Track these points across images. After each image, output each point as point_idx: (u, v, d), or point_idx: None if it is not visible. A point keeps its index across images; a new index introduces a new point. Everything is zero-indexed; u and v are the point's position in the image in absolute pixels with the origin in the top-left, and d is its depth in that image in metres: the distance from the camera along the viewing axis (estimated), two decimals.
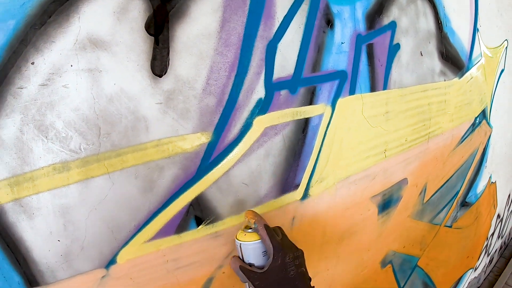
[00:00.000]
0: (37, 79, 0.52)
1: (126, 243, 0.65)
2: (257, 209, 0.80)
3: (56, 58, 0.53)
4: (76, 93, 0.55)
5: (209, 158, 0.71)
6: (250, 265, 0.71)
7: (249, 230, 0.72)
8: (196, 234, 0.74)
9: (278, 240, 0.70)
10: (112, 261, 0.64)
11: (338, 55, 0.87)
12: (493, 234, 2.43)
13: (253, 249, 0.70)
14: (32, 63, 0.52)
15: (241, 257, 0.72)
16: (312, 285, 0.75)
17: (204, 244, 0.75)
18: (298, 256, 0.72)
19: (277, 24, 0.75)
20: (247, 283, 0.71)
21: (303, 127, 0.83)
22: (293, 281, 0.70)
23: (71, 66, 0.54)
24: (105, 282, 0.65)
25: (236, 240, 0.72)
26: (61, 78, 0.54)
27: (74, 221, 0.59)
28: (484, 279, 2.61)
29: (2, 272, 0.55)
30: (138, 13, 0.59)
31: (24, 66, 0.51)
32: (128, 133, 0.61)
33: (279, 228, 0.76)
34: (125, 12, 0.58)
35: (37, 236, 0.57)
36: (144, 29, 0.60)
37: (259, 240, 0.70)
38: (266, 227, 0.70)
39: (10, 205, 0.54)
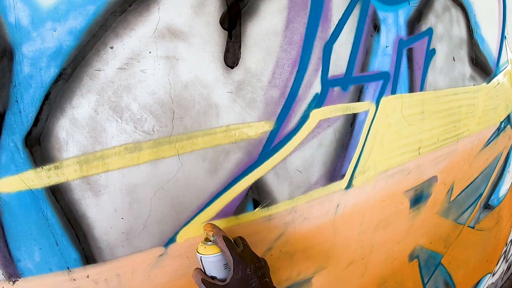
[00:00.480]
0: (115, 63, 0.56)
1: (187, 222, 0.70)
2: (307, 196, 0.87)
3: (135, 44, 0.57)
4: (153, 78, 0.60)
5: (270, 145, 0.77)
6: (212, 278, 0.68)
7: (209, 243, 0.69)
8: (252, 216, 0.79)
9: (238, 252, 0.68)
10: (171, 240, 0.69)
11: (383, 57, 0.94)
12: None
13: (213, 262, 0.68)
14: (111, 48, 0.56)
15: (203, 270, 0.69)
16: None
17: (258, 226, 0.80)
18: (260, 267, 0.70)
19: (332, 26, 0.82)
20: None
21: (351, 121, 0.90)
22: None
23: (150, 52, 0.59)
24: (162, 260, 0.69)
25: (197, 253, 0.69)
26: (139, 63, 0.58)
27: (140, 199, 0.63)
28: (501, 286, 2.61)
29: (60, 248, 0.58)
30: (214, 9, 0.64)
31: (103, 50, 0.55)
32: (200, 118, 0.66)
33: (241, 238, 0.75)
34: (202, 6, 0.63)
35: (101, 213, 0.60)
36: (219, 23, 0.65)
37: (220, 253, 0.67)
38: (225, 239, 0.67)
39: (77, 182, 0.57)
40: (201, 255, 0.68)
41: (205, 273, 0.69)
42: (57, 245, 0.58)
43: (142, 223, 0.64)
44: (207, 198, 0.71)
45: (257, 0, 0.70)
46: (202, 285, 0.66)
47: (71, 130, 0.55)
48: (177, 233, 0.69)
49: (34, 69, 0.52)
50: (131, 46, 0.57)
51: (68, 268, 0.60)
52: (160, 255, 0.69)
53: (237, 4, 0.67)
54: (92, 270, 0.62)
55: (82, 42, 0.54)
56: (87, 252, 0.61)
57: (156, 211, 0.65)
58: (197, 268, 0.70)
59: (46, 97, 0.54)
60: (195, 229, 0.72)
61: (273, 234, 0.84)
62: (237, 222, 0.78)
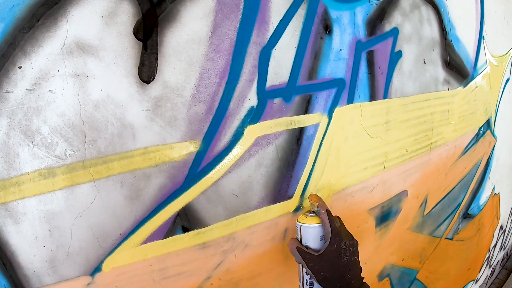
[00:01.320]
0: (24, 84, 0.52)
1: (112, 251, 0.64)
2: (247, 221, 0.78)
3: (43, 63, 0.53)
4: (62, 98, 0.55)
5: (198, 167, 0.68)
6: (307, 247, 0.74)
7: (311, 214, 0.76)
8: (184, 243, 0.72)
9: (337, 226, 0.73)
10: (97, 269, 0.64)
11: (336, 62, 0.84)
12: (495, 245, 2.39)
13: (312, 232, 0.74)
14: (20, 67, 0.51)
15: (299, 239, 0.76)
16: (362, 275, 0.77)
17: (192, 255, 0.73)
18: (353, 244, 0.75)
19: (271, 29, 0.72)
20: (301, 264, 0.75)
21: (298, 136, 0.80)
22: (345, 267, 0.73)
23: (58, 71, 0.54)
24: None
25: (297, 222, 0.77)
26: (47, 83, 0.53)
27: (59, 227, 0.59)
28: None
29: None
30: (127, 18, 0.58)
31: (12, 70, 0.51)
32: (114, 140, 0.60)
33: (339, 217, 0.80)
34: (113, 16, 0.57)
35: (23, 241, 0.56)
36: (132, 34, 0.59)
37: (319, 224, 0.74)
38: (328, 212, 0.74)
39: None
40: (301, 224, 0.76)
41: (300, 242, 0.76)
42: None
43: (65, 251, 0.60)
44: (130, 226, 0.65)
45: (177, 4, 0.62)
46: (297, 252, 0.72)
47: None
48: (102, 261, 0.64)
49: None
50: (39, 65, 0.53)
51: None
52: (88, 284, 0.64)
53: (154, 10, 0.59)
54: None
55: None
56: (15, 279, 0.57)
57: (77, 239, 0.61)
58: (293, 238, 0.78)
59: None
60: (122, 258, 0.66)
61: (210, 262, 0.76)
62: (166, 250, 0.70)
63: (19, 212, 0.55)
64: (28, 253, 0.57)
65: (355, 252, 0.76)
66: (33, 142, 0.54)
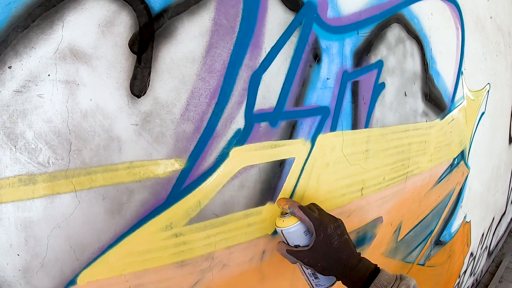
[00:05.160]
0: (12, 85, 0.50)
1: (88, 264, 0.62)
2: (227, 241, 0.78)
3: (34, 65, 0.51)
4: (50, 104, 0.53)
5: (181, 185, 0.68)
6: (296, 246, 0.75)
7: (286, 216, 0.76)
8: (161, 261, 0.70)
9: (316, 216, 0.74)
10: (72, 282, 0.61)
11: (322, 90, 0.86)
12: (465, 271, 2.45)
13: (294, 232, 0.75)
14: (9, 67, 0.49)
15: (285, 242, 0.77)
16: (358, 251, 0.78)
17: (170, 272, 0.72)
18: (338, 225, 0.76)
19: (263, 54, 0.73)
20: (298, 263, 0.76)
21: (281, 161, 0.82)
22: (338, 250, 0.74)
23: (48, 75, 0.52)
24: None
25: (277, 227, 0.77)
26: (36, 86, 0.51)
27: (35, 236, 0.56)
28: None
29: None
30: (124, 29, 0.57)
31: (1, 69, 0.49)
32: (100, 152, 0.59)
33: (314, 204, 0.81)
34: (110, 26, 0.56)
35: None
36: (128, 46, 0.58)
37: (299, 222, 0.74)
38: (301, 207, 0.75)
39: None
40: (281, 229, 0.76)
41: (288, 244, 0.76)
42: None
43: (40, 261, 0.58)
44: (109, 239, 0.63)
45: (174, 21, 0.62)
46: (288, 255, 0.74)
47: None
48: (77, 275, 0.61)
49: None
50: (30, 67, 0.50)
51: None
52: None
53: (151, 24, 0.59)
54: None
55: None
56: None
57: (53, 250, 0.58)
58: (280, 242, 0.78)
59: None
60: (98, 272, 0.64)
61: (187, 281, 0.75)
62: (144, 266, 0.68)
63: None
64: (1, 260, 0.54)
65: (344, 232, 0.77)
66: (16, 146, 0.52)
